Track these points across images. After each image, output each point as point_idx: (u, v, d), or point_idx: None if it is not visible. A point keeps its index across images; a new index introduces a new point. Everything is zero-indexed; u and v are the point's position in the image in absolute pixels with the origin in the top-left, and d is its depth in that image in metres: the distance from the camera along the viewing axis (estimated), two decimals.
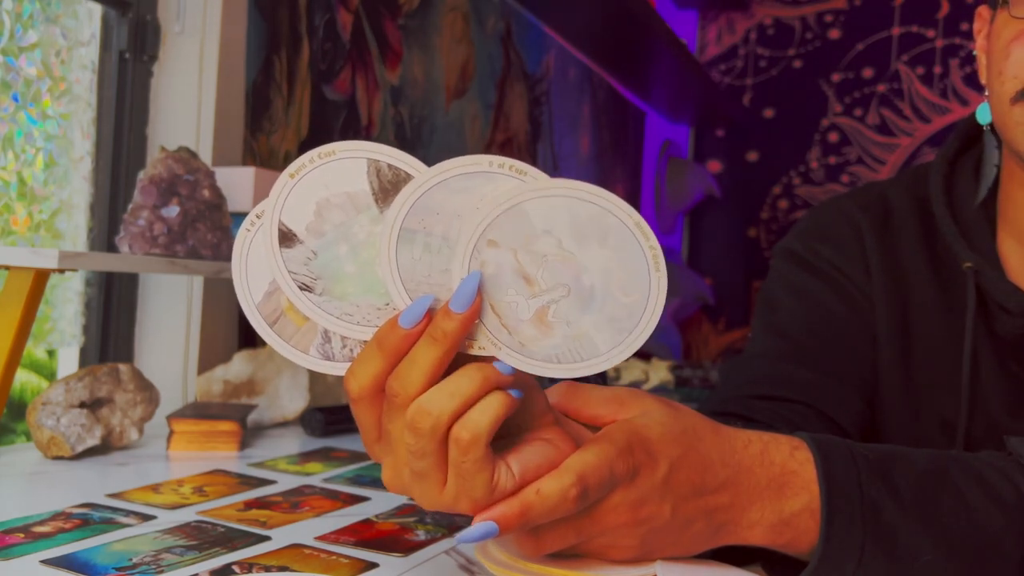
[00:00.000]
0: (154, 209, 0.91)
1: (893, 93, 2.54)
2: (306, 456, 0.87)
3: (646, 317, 0.41)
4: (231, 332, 1.18)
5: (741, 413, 0.63)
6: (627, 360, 1.85)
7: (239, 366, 1.04)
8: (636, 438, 0.43)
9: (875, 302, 0.71)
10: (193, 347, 1.12)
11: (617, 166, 2.59)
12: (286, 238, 0.41)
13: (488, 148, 1.86)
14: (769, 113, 2.70)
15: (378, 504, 0.68)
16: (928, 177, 0.72)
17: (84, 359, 1.11)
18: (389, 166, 0.40)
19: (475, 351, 0.40)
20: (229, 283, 1.11)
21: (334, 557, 0.54)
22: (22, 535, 0.57)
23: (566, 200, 0.40)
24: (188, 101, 1.15)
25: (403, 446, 0.39)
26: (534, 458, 0.41)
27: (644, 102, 2.69)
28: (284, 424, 1.05)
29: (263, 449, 0.89)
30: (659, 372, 1.74)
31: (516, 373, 0.40)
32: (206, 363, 1.12)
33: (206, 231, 0.94)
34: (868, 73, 2.56)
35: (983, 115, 0.68)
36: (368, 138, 1.45)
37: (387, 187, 0.40)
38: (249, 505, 0.66)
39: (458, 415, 0.38)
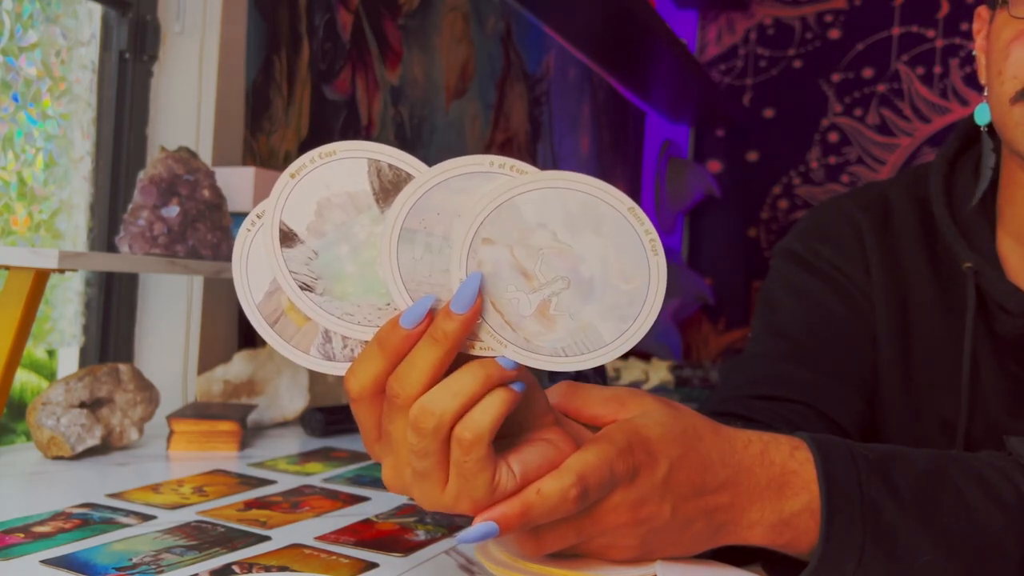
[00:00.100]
0: (154, 209, 0.91)
1: (893, 93, 2.54)
2: (306, 456, 0.87)
3: (648, 303, 0.40)
4: (231, 332, 1.18)
5: (741, 413, 0.63)
6: (627, 360, 1.85)
7: (239, 366, 1.04)
8: (636, 438, 0.43)
9: (875, 302, 0.71)
10: (193, 347, 1.12)
11: (617, 166, 2.59)
12: (287, 238, 0.41)
13: (488, 148, 1.86)
14: (769, 113, 2.70)
15: (378, 504, 0.68)
16: (928, 177, 0.72)
17: (84, 359, 1.11)
18: (390, 166, 0.40)
19: (480, 351, 0.40)
20: (229, 283, 1.11)
21: (334, 557, 0.54)
22: (22, 535, 0.57)
23: (556, 192, 0.39)
24: (188, 101, 1.15)
25: (404, 446, 0.39)
26: (535, 458, 0.41)
27: (644, 102, 2.69)
28: (284, 424, 1.05)
29: (263, 449, 0.89)
30: (659, 372, 1.74)
31: (519, 367, 0.39)
32: (206, 363, 1.12)
33: (206, 231, 0.94)
34: (868, 73, 2.56)
35: (981, 116, 0.68)
36: (368, 138, 1.45)
37: (388, 187, 0.40)
38: (249, 505, 0.66)
39: (461, 414, 0.38)
